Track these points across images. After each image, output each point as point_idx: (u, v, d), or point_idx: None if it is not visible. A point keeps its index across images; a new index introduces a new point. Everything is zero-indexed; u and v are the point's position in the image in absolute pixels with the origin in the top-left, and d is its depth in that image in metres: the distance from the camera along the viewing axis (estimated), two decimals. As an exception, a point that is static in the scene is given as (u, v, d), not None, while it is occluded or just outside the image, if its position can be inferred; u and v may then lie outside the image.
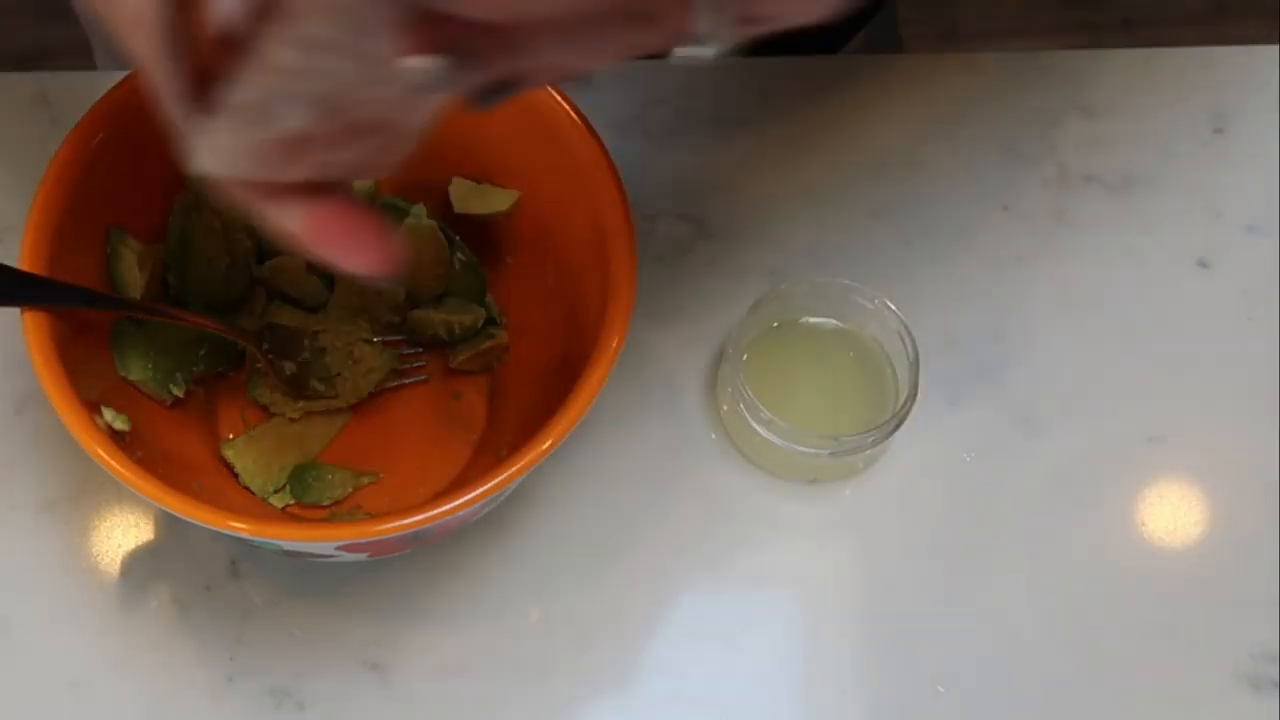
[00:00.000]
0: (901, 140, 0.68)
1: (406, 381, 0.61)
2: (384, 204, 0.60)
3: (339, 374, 0.60)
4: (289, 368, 0.59)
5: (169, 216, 0.57)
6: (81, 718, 0.56)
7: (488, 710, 0.57)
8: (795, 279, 0.62)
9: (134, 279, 0.55)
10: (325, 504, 0.59)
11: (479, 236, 0.60)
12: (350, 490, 0.59)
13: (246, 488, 0.58)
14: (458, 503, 0.47)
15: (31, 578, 0.58)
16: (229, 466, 0.58)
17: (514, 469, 0.48)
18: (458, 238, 0.60)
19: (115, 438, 0.50)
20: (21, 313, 0.49)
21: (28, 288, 0.49)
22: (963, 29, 1.49)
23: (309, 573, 0.59)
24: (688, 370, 0.63)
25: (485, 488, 0.47)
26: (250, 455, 0.58)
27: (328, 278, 0.61)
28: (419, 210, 0.59)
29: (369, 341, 0.61)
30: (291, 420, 0.60)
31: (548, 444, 0.48)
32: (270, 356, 0.59)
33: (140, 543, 0.59)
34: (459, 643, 0.58)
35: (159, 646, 0.57)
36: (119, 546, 0.59)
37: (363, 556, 0.54)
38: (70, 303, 0.51)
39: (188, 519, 0.47)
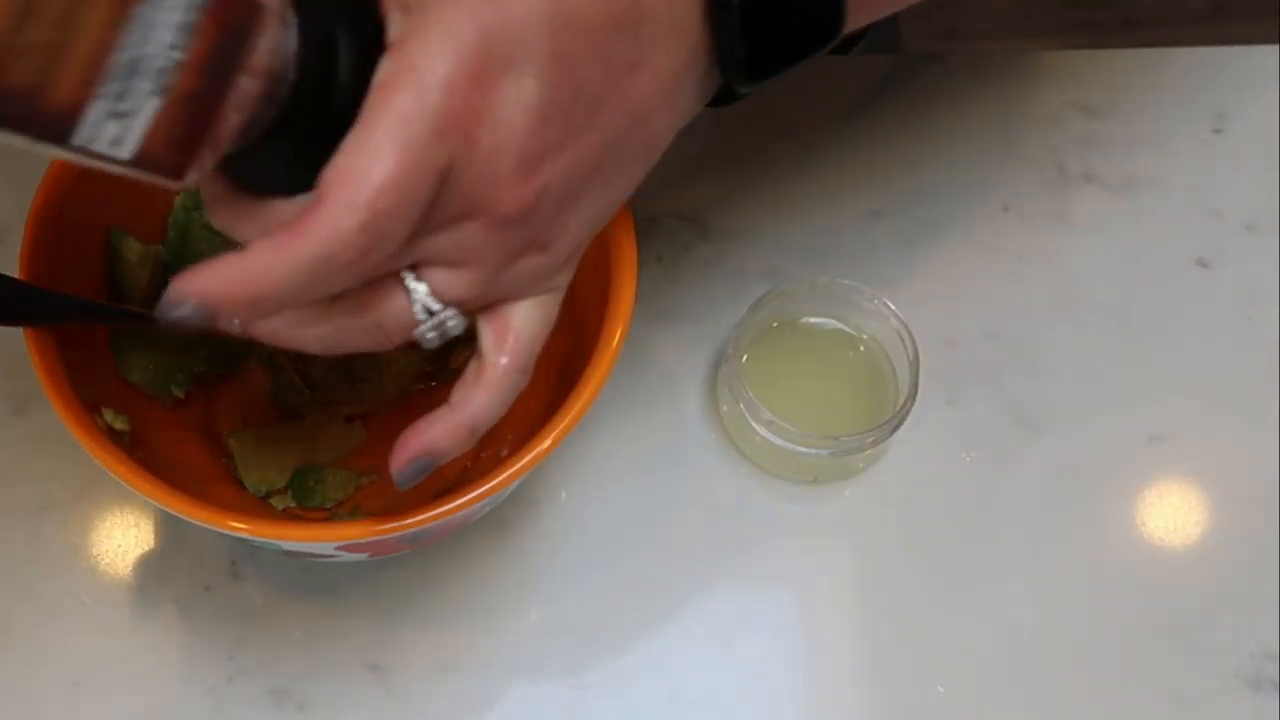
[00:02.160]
0: (901, 140, 0.68)
1: (433, 384, 0.60)
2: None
3: (363, 378, 0.60)
4: (316, 372, 0.59)
5: (169, 216, 0.57)
6: (81, 718, 0.56)
7: (488, 710, 0.57)
8: (795, 279, 0.61)
9: (134, 279, 0.55)
10: (327, 505, 0.59)
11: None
12: (351, 491, 0.59)
13: (243, 483, 0.58)
14: (458, 503, 0.47)
15: (31, 578, 0.58)
16: (230, 456, 0.58)
17: (514, 469, 0.48)
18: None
19: (115, 438, 0.50)
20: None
21: (28, 303, 0.49)
22: (963, 29, 1.49)
23: (309, 573, 0.59)
24: (688, 370, 0.63)
25: (485, 488, 0.47)
26: (252, 448, 0.58)
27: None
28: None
29: None
30: (317, 422, 0.59)
31: (548, 444, 0.48)
32: (298, 363, 0.59)
33: (140, 543, 0.59)
34: (459, 643, 0.58)
35: (159, 646, 0.57)
36: (119, 546, 0.59)
37: (363, 556, 0.54)
38: (73, 319, 0.51)
39: (188, 519, 0.47)
